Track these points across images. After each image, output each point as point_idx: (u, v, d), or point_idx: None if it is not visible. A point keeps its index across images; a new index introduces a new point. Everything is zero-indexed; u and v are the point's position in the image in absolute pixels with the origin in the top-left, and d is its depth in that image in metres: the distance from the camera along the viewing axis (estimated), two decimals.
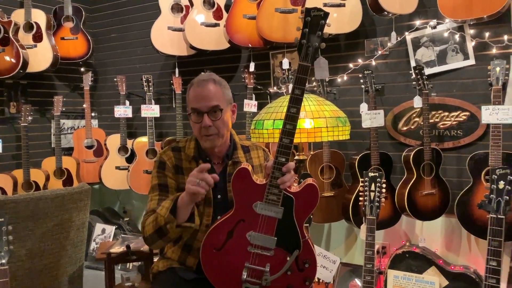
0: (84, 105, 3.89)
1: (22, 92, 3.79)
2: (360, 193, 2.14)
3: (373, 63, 3.04)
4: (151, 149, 3.69)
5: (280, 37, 2.99)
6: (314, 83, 2.99)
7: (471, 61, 2.76)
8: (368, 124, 2.82)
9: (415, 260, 2.75)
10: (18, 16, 3.54)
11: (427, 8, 2.85)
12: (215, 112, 1.69)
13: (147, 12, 3.97)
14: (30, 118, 3.50)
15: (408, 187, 2.71)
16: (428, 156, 2.70)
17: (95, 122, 4.31)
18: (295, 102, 1.50)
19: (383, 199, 2.07)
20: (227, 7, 3.32)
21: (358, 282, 2.94)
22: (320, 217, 2.95)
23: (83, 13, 3.86)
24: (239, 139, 1.88)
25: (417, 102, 2.81)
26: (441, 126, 2.87)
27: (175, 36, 3.48)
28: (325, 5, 2.84)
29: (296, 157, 2.24)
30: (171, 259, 1.80)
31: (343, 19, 2.89)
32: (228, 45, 3.30)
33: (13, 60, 3.33)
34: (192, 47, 3.40)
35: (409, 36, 2.91)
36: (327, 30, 1.49)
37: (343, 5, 2.87)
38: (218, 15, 3.37)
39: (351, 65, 3.10)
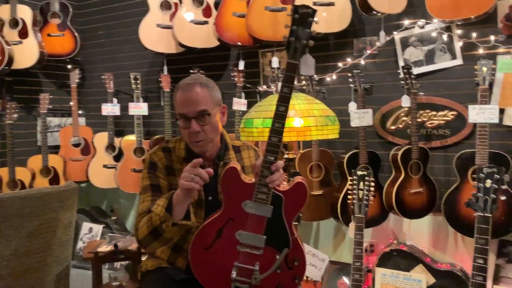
0: (71, 103, 3.83)
1: (7, 89, 3.72)
2: (349, 192, 2.16)
3: (362, 62, 3.05)
4: (139, 148, 3.66)
5: (270, 35, 2.99)
6: (304, 82, 2.99)
7: (459, 61, 2.79)
8: (357, 123, 2.83)
9: (402, 258, 2.77)
10: (3, 11, 3.48)
11: (416, 8, 2.87)
12: (203, 116, 1.66)
13: (135, 9, 3.93)
14: (15, 115, 3.44)
15: (396, 186, 2.73)
16: (416, 155, 2.73)
17: (82, 120, 4.27)
18: (284, 101, 1.50)
19: (371, 198, 2.08)
20: (217, 4, 3.30)
21: (346, 280, 2.96)
22: (309, 215, 2.96)
23: (70, 9, 3.81)
24: (230, 139, 1.86)
25: (405, 101, 2.83)
26: (429, 125, 2.89)
27: (164, 34, 3.45)
28: (314, 3, 2.84)
29: (286, 156, 2.24)
30: (160, 259, 1.79)
31: (333, 18, 2.90)
32: (217, 43, 3.29)
33: None
34: (181, 45, 3.38)
35: (397, 36, 2.93)
36: (316, 28, 1.48)
37: (333, 4, 2.88)
38: (207, 12, 3.35)
39: (340, 64, 3.11)
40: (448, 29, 2.79)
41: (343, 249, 3.22)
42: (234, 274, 1.55)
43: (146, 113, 3.65)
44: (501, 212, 2.41)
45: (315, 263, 2.74)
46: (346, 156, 2.85)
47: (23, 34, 3.49)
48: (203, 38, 3.34)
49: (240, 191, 1.54)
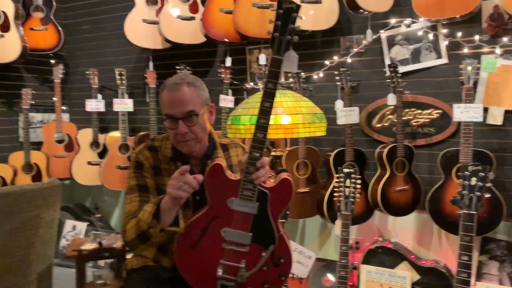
0: (55, 98, 3.77)
1: None
2: (335, 189, 2.16)
3: (349, 60, 3.06)
4: (124, 144, 3.62)
5: (257, 32, 2.97)
6: (291, 79, 2.99)
7: (444, 60, 2.81)
8: (343, 121, 2.83)
9: (387, 255, 2.79)
10: None
11: (402, 7, 2.88)
12: (191, 117, 1.62)
13: (121, 4, 3.88)
14: None
15: (382, 183, 2.75)
16: (401, 153, 2.75)
17: (66, 116, 4.20)
18: (269, 96, 1.48)
19: (357, 195, 2.09)
20: (203, 0, 3.28)
21: (330, 277, 2.97)
22: (295, 212, 2.96)
23: (54, 3, 3.75)
24: (218, 137, 1.84)
25: (391, 99, 2.85)
26: (414, 123, 2.91)
27: (150, 29, 3.41)
28: (302, 1, 2.83)
29: (273, 153, 2.23)
30: (146, 257, 1.76)
31: (320, 16, 2.90)
32: (204, 39, 3.27)
33: None
34: (167, 41, 3.34)
35: (384, 34, 2.95)
36: (303, 26, 1.48)
37: (320, 2, 2.88)
38: (194, 8, 3.32)
39: (327, 62, 3.12)
40: (434, 28, 2.82)
41: (328, 246, 3.23)
42: (220, 271, 1.53)
43: (131, 109, 3.61)
44: (484, 210, 2.44)
45: (302, 260, 2.75)
46: (333, 153, 2.86)
47: (5, 27, 3.41)
48: (189, 34, 3.31)
49: (225, 188, 1.53)
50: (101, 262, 3.50)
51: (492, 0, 2.63)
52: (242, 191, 1.50)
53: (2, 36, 3.40)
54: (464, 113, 2.48)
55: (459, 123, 2.72)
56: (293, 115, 2.04)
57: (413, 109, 2.91)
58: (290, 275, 2.86)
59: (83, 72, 3.90)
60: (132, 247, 1.63)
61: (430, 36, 2.82)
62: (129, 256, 1.92)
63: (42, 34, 3.68)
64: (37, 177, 3.58)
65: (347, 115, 2.82)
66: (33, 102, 3.66)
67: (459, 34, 2.74)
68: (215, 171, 1.53)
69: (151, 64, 3.64)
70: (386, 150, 2.76)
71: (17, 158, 3.56)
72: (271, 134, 1.92)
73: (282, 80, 3.02)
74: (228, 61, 3.33)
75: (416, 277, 2.71)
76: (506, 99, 2.62)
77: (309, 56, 3.16)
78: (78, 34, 4.18)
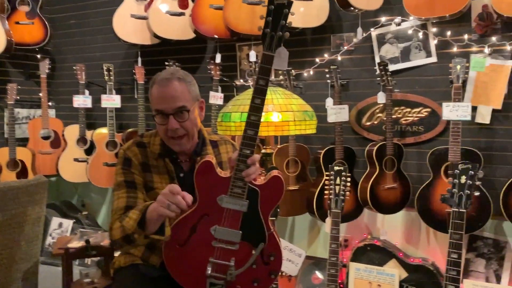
0: (41, 94, 3.71)
1: None
2: (326, 187, 2.15)
3: (339, 58, 3.06)
4: (112, 141, 3.58)
5: (247, 29, 2.95)
6: (281, 77, 2.97)
7: (433, 59, 2.83)
8: (333, 118, 2.83)
9: (376, 253, 2.80)
10: None
11: (393, 5, 2.88)
12: (182, 113, 1.60)
13: None
14: None
15: (371, 181, 2.75)
16: (391, 151, 2.75)
17: (52, 112, 4.14)
18: (260, 93, 1.47)
19: (347, 193, 2.08)
20: None
21: (319, 275, 2.97)
22: (284, 210, 2.95)
23: None
24: (207, 134, 1.82)
25: (381, 97, 2.85)
26: (403, 121, 2.92)
27: (138, 24, 3.37)
28: None
29: (263, 151, 2.22)
30: (134, 255, 1.74)
31: (310, 13, 2.89)
32: (193, 35, 3.23)
33: None
34: (156, 36, 3.30)
35: (374, 33, 2.95)
36: (294, 23, 1.46)
37: None
38: (183, 3, 3.29)
39: (317, 59, 3.11)
40: (423, 27, 2.83)
41: (317, 244, 3.23)
42: (209, 270, 1.52)
43: (119, 105, 3.57)
44: (472, 208, 2.46)
45: (292, 258, 2.74)
46: (323, 151, 2.86)
47: None
48: (179, 29, 3.27)
49: (215, 185, 1.51)
50: (88, 260, 3.45)
51: (481, 0, 2.65)
52: (232, 188, 1.48)
53: None
54: (453, 111, 2.50)
55: (447, 122, 2.74)
56: (283, 113, 2.03)
57: (402, 108, 2.92)
58: (280, 273, 2.86)
59: (70, 67, 3.84)
60: (117, 246, 1.62)
61: (420, 34, 2.83)
62: (117, 254, 1.89)
63: (28, 28, 3.62)
64: (22, 174, 3.52)
65: (337, 113, 2.82)
66: (18, 98, 3.60)
67: (449, 33, 2.75)
68: (205, 168, 1.51)
69: (139, 60, 3.60)
70: (375, 148, 2.76)
71: (2, 154, 3.49)
72: (262, 132, 1.90)
73: (272, 77, 3.01)
74: (218, 58, 3.30)
75: (404, 274, 2.72)
76: (494, 98, 2.64)
77: (300, 54, 3.15)
78: (65, 28, 4.12)
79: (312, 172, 3.03)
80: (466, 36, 2.70)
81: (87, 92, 3.69)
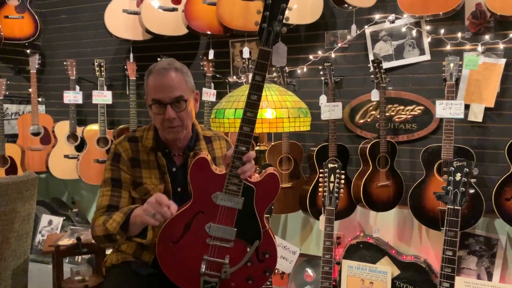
0: (30, 89, 3.66)
1: None
2: (320, 184, 2.15)
3: (333, 55, 3.05)
4: (103, 138, 3.54)
5: (241, 25, 2.93)
6: (275, 74, 2.96)
7: (427, 57, 2.83)
8: (327, 116, 2.82)
9: (369, 250, 2.80)
10: None
11: (387, 3, 2.88)
12: (179, 103, 1.59)
13: None
14: None
15: (364, 179, 2.75)
16: (384, 148, 2.75)
17: (42, 108, 4.08)
18: (256, 89, 1.45)
19: (341, 190, 2.08)
20: None
21: (310, 272, 2.97)
22: (277, 208, 2.94)
23: None
24: (201, 129, 1.81)
25: (375, 95, 2.85)
26: (397, 119, 2.93)
27: (130, 20, 3.33)
28: None
29: (257, 148, 2.21)
30: (126, 253, 1.72)
31: (304, 10, 2.88)
32: (186, 31, 3.20)
33: None
34: (148, 32, 3.27)
35: (368, 30, 2.94)
36: (288, 19, 1.44)
37: None
38: None
39: (311, 56, 3.10)
40: (417, 24, 2.83)
41: (310, 242, 3.23)
42: (203, 267, 1.51)
43: (110, 101, 3.53)
44: (465, 206, 2.46)
45: (286, 256, 2.73)
46: (316, 149, 2.85)
47: None
48: (171, 25, 3.24)
49: (210, 182, 1.49)
50: (78, 258, 3.42)
51: None
52: (228, 185, 1.47)
53: None
54: (446, 109, 2.50)
55: (440, 120, 2.75)
56: (278, 109, 2.02)
57: (395, 105, 2.92)
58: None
59: (60, 62, 3.79)
60: (99, 243, 1.61)
61: (414, 32, 2.83)
62: (108, 252, 1.87)
63: (17, 23, 3.56)
64: (11, 170, 3.48)
65: (331, 110, 2.82)
66: (8, 93, 3.55)
67: (442, 31, 2.76)
68: (200, 165, 1.50)
69: (131, 55, 3.56)
70: (369, 146, 2.76)
71: None
72: (256, 128, 1.88)
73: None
74: (211, 54, 3.27)
75: (397, 272, 2.73)
76: (486, 96, 2.65)
77: (293, 51, 3.13)
78: (56, 23, 4.06)
79: (305, 170, 3.02)
80: (459, 34, 2.71)
81: (77, 88, 3.65)
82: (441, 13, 2.56)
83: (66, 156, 3.60)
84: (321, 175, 2.14)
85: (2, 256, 2.14)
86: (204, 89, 3.21)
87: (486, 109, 2.66)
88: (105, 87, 3.54)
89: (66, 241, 2.41)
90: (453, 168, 1.61)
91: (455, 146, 2.50)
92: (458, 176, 1.59)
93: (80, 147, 3.62)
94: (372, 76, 2.81)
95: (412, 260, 2.73)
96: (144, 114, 3.70)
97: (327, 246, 2.02)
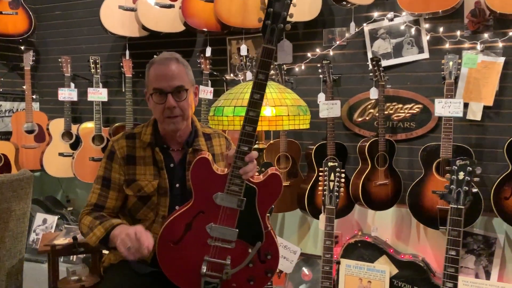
0: (24, 87, 3.61)
1: None
2: (320, 183, 2.13)
3: (331, 53, 3.03)
4: (98, 135, 3.51)
5: (239, 22, 2.90)
6: (273, 71, 2.93)
7: (426, 55, 2.82)
8: (325, 114, 2.81)
9: (367, 249, 2.79)
10: None
11: (385, 0, 2.87)
12: (179, 92, 1.60)
13: None
14: None
15: (363, 177, 2.74)
16: (383, 147, 2.74)
17: (36, 105, 4.04)
18: (259, 88, 1.43)
19: (342, 189, 2.06)
20: None
21: (307, 271, 2.96)
22: (275, 206, 2.92)
23: None
24: (201, 126, 1.79)
25: (373, 93, 2.84)
26: (395, 118, 2.92)
27: (127, 16, 3.29)
28: None
29: (256, 146, 2.18)
30: None
31: (303, 7, 2.85)
32: (183, 28, 3.18)
33: None
34: (144, 28, 3.23)
35: (366, 28, 2.93)
36: (292, 15, 1.42)
37: None
38: None
39: (309, 54, 3.08)
40: (416, 22, 2.81)
41: (307, 241, 3.22)
42: (204, 268, 1.48)
43: (105, 99, 3.50)
44: (468, 205, 2.46)
45: (287, 256, 2.71)
46: (314, 147, 2.83)
47: None
48: (168, 22, 3.21)
49: (211, 182, 1.47)
50: (73, 257, 3.38)
51: None
52: (229, 186, 1.45)
53: None
54: (445, 108, 2.49)
55: (439, 118, 2.74)
56: (277, 107, 1.99)
57: (394, 104, 2.91)
58: None
59: (55, 59, 3.75)
60: (84, 236, 1.65)
61: (412, 30, 2.82)
62: (106, 251, 1.84)
63: (11, 19, 3.51)
64: (5, 168, 3.43)
65: (329, 108, 2.80)
66: (1, 90, 3.51)
67: (441, 29, 2.75)
68: (201, 164, 1.47)
69: (127, 52, 3.52)
70: (368, 144, 2.75)
71: None
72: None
73: None
74: (208, 51, 3.24)
75: (395, 271, 2.73)
76: (485, 95, 2.65)
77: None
78: (50, 19, 4.01)
79: (302, 168, 3.01)
80: (458, 33, 2.70)
81: (72, 85, 3.61)
82: (440, 11, 2.55)
83: (61, 154, 3.57)
84: (321, 173, 2.12)
85: None
86: (201, 87, 3.18)
87: (485, 107, 2.66)
88: (100, 84, 3.51)
89: (62, 240, 2.37)
90: (456, 167, 1.60)
91: (454, 144, 2.50)
92: (461, 175, 1.57)
93: (75, 145, 3.59)
94: (371, 74, 2.79)
95: (410, 259, 2.72)
96: (140, 111, 3.66)
97: (327, 246, 2.00)
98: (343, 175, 2.08)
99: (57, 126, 3.59)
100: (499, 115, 2.67)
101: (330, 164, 2.08)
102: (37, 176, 3.87)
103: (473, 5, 2.67)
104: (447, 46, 2.74)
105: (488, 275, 2.64)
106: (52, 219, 3.64)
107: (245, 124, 1.42)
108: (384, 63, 2.86)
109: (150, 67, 1.64)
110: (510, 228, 2.64)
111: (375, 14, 2.89)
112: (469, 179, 1.57)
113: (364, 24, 2.92)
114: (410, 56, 2.86)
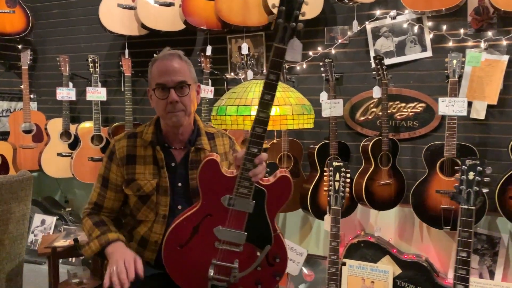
0: (22, 86, 3.57)
1: None
2: (325, 183, 2.10)
3: (333, 51, 3.01)
4: (97, 135, 3.47)
5: (240, 20, 2.87)
6: None
7: (429, 53, 2.80)
8: (328, 113, 2.78)
9: (370, 249, 2.78)
10: None
11: None
12: (182, 88, 1.59)
13: None
14: None
15: (366, 177, 2.72)
16: (386, 146, 2.72)
17: (34, 105, 3.99)
18: (270, 88, 1.40)
19: (347, 189, 2.04)
20: None
21: (308, 271, 2.94)
22: None
23: None
24: (204, 126, 1.77)
25: (376, 92, 2.81)
26: (398, 117, 2.89)
27: (126, 14, 3.25)
28: None
29: None
30: None
31: (304, 5, 2.81)
32: (183, 26, 3.14)
33: None
34: (144, 27, 3.19)
35: (369, 26, 2.90)
36: (305, 14, 1.39)
37: None
38: None
39: (310, 53, 3.05)
40: (419, 20, 2.79)
41: (309, 241, 3.19)
42: (211, 272, 1.46)
43: (104, 98, 3.46)
44: (479, 206, 2.45)
45: (293, 257, 2.69)
46: (317, 147, 2.81)
47: None
48: (168, 20, 3.17)
49: (219, 185, 1.44)
50: (72, 259, 3.35)
51: None
52: (238, 188, 1.42)
53: None
54: (449, 106, 2.47)
55: (442, 117, 2.72)
56: (281, 106, 1.96)
57: (397, 102, 2.89)
58: None
59: (53, 58, 3.70)
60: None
61: (415, 28, 2.80)
62: None
63: (8, 17, 3.46)
64: (3, 169, 3.39)
65: (332, 107, 2.77)
66: None
67: (444, 27, 2.72)
68: (210, 166, 1.44)
69: (126, 51, 3.48)
70: (371, 144, 2.72)
71: None
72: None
73: (264, 70, 2.94)
74: (209, 50, 3.21)
75: (398, 271, 2.71)
76: (489, 93, 2.63)
77: None
78: (48, 18, 3.96)
79: (305, 168, 2.98)
80: (462, 31, 2.68)
81: (71, 84, 3.58)
82: (443, 9, 2.53)
83: (59, 154, 3.53)
84: (325, 173, 2.09)
85: None
86: (201, 86, 3.14)
87: (489, 106, 2.64)
88: (99, 84, 3.47)
89: (62, 242, 2.34)
90: (465, 167, 1.58)
91: (458, 143, 2.48)
92: (471, 175, 1.55)
93: (73, 145, 3.55)
94: (373, 72, 2.77)
95: (414, 259, 2.71)
96: (139, 111, 3.62)
97: (333, 247, 1.98)
98: (348, 175, 2.06)
99: (55, 126, 3.55)
100: (503, 114, 2.65)
101: (335, 164, 2.05)
102: (35, 176, 3.83)
103: (477, 3, 2.65)
104: (450, 44, 2.72)
105: (492, 275, 2.63)
106: (51, 220, 3.61)
107: (255, 126, 1.39)
108: (387, 61, 2.84)
109: (153, 64, 1.65)
110: None
111: (378, 12, 2.86)
112: (479, 179, 1.55)
113: (367, 22, 2.89)
114: (413, 54, 2.83)
